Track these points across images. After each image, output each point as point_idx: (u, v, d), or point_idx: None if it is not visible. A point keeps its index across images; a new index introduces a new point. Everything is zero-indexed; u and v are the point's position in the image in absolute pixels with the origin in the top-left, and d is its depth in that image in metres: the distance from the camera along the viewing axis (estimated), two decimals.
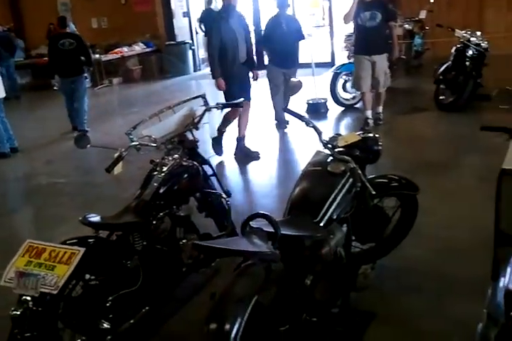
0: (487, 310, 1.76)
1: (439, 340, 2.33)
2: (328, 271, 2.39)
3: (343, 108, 7.24)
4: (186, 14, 12.41)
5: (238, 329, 1.78)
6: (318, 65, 9.12)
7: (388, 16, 6.02)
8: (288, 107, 2.88)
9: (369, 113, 6.19)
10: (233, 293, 1.90)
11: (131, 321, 2.57)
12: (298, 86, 2.99)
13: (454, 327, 2.40)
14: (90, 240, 2.49)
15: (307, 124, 2.84)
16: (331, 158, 2.70)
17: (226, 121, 5.58)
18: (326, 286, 2.31)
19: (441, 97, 6.67)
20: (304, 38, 6.53)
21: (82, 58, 7.16)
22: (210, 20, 5.57)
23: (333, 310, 2.44)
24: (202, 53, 12.96)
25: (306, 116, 6.87)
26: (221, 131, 5.63)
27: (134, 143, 2.96)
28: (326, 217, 2.43)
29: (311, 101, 7.26)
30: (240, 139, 5.64)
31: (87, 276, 2.45)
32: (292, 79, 2.98)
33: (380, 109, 6.31)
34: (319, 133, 2.79)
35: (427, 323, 2.59)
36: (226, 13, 5.28)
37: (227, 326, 1.77)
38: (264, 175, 5.15)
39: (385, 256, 3.10)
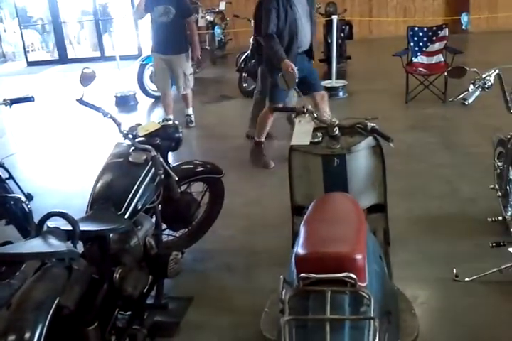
0: (283, 275, 1.88)
1: (253, 312, 2.44)
2: (139, 263, 2.36)
3: (152, 99, 7.19)
4: None
5: (40, 337, 1.67)
6: (126, 57, 8.97)
7: (184, 12, 5.34)
8: (83, 99, 2.74)
9: (170, 117, 5.30)
10: (31, 299, 1.76)
11: None
12: (90, 77, 2.86)
13: (265, 297, 2.54)
14: None
15: (104, 115, 2.76)
16: (132, 148, 2.66)
17: (261, 126, 4.56)
18: (137, 278, 2.28)
19: (244, 85, 7.00)
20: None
21: None
22: None
23: (148, 302, 2.42)
24: None
25: (116, 109, 6.69)
26: (259, 141, 4.60)
27: None
28: (131, 209, 2.39)
29: (119, 94, 7.11)
30: None
31: None
32: (85, 70, 2.84)
33: (190, 110, 5.89)
34: (118, 124, 2.73)
35: (241, 298, 2.72)
36: None
37: (27, 335, 1.65)
38: (78, 174, 4.89)
39: (198, 240, 3.18)
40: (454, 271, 2.77)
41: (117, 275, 2.16)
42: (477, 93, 2.59)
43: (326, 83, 6.69)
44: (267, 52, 4.37)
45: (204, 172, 3.12)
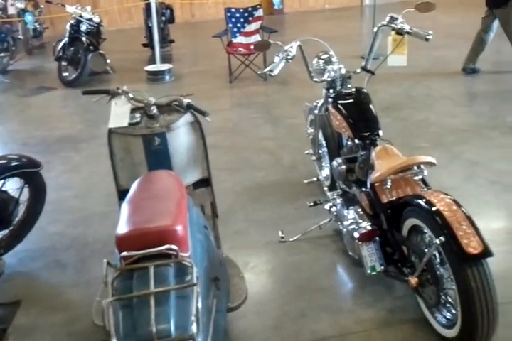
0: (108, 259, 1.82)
1: (87, 304, 2.33)
2: None
3: None
4: None
5: None
6: None
7: None
8: None
9: None
10: None
11: None
12: None
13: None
14: None
15: None
16: None
17: None
18: None
19: (65, 74, 6.62)
20: None
21: None
22: None
23: None
24: None
25: None
26: None
27: None
28: None
29: None
30: None
31: None
32: None
33: None
34: None
35: (74, 293, 2.61)
36: None
37: None
38: None
39: (23, 239, 2.96)
40: (280, 233, 2.95)
41: None
42: (282, 64, 2.72)
43: (151, 67, 6.61)
44: None
45: (19, 166, 2.89)
